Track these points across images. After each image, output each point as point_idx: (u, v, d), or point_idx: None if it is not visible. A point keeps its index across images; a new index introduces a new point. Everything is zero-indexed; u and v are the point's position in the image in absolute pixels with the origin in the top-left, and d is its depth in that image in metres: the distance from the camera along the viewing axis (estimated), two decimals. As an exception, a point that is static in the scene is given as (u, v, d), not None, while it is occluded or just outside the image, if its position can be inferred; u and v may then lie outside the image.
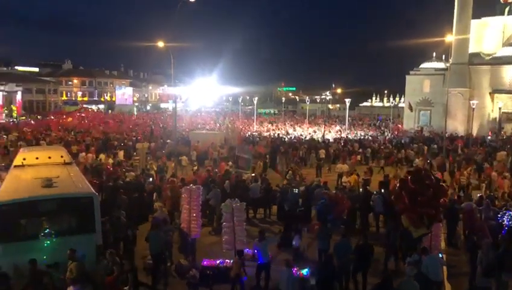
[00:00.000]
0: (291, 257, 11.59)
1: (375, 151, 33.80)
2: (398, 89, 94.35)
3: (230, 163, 24.47)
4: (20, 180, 11.91)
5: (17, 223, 10.15)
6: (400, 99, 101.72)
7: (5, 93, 66.53)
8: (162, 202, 15.85)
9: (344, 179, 21.51)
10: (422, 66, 60.33)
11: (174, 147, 29.29)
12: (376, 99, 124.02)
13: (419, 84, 58.53)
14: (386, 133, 52.32)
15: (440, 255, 11.97)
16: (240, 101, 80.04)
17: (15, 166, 13.58)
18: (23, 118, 63.37)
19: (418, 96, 58.22)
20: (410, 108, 56.73)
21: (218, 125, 57.70)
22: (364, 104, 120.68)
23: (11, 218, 9.92)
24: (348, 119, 61.03)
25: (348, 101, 56.76)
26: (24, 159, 13.79)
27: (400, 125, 62.98)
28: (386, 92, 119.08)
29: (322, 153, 31.16)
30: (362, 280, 11.22)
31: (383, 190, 17.45)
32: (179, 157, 26.40)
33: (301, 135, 48.15)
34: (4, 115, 63.93)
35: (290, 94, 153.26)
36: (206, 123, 60.56)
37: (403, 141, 40.96)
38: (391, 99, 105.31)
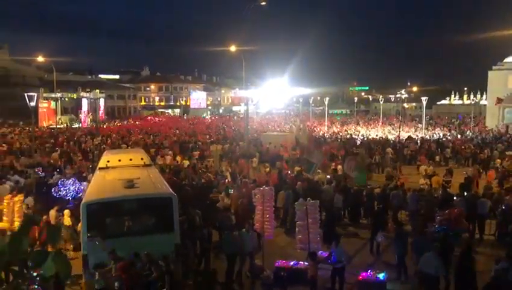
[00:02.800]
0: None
1: (456, 152, 32.07)
2: (480, 86, 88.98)
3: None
4: (105, 181, 12.57)
5: (102, 222, 10.72)
6: (481, 96, 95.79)
7: (90, 100, 71.11)
8: (231, 203, 16.15)
9: (421, 181, 20.54)
10: (507, 60, 56.33)
11: (246, 148, 29.69)
12: (455, 97, 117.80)
13: (503, 79, 54.72)
14: (467, 132, 49.46)
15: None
16: (310, 102, 79.52)
17: (100, 168, 14.39)
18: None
19: (502, 93, 54.47)
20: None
21: (289, 126, 57.73)
22: (442, 102, 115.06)
23: (96, 217, 10.47)
24: (426, 118, 58.42)
25: (424, 99, 54.30)
26: (108, 161, 14.58)
27: (481, 124, 59.29)
28: (465, 89, 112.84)
29: (390, 152, 30.17)
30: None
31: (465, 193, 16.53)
32: (251, 159, 26.71)
33: (377, 135, 46.79)
34: (89, 120, 68.37)
35: (363, 94, 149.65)
36: (277, 125, 60.81)
37: (483, 140, 38.54)
38: (471, 96, 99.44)
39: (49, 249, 10.92)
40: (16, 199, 13.74)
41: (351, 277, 11.27)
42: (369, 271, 11.40)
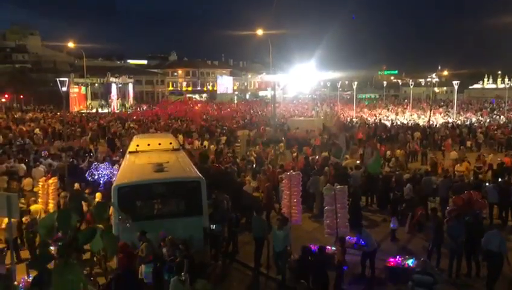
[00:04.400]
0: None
1: (489, 137, 31.20)
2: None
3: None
4: (135, 165, 12.82)
5: (132, 205, 10.94)
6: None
7: (119, 85, 72.09)
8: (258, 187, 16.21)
9: (457, 167, 20.03)
10: (545, 42, 54.20)
11: (273, 134, 29.67)
12: (488, 80, 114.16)
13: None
14: (501, 117, 48.00)
15: None
16: (338, 86, 78.53)
17: (130, 152, 14.67)
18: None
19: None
20: None
21: (315, 111, 57.30)
22: (475, 86, 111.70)
23: (127, 200, 10.70)
24: (457, 103, 56.90)
25: (456, 83, 52.87)
26: (137, 145, 14.85)
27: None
28: (499, 72, 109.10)
29: (418, 135, 29.74)
30: (475, 262, 10.99)
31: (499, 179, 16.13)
32: (277, 144, 26.68)
33: (408, 120, 45.97)
34: (118, 105, 69.34)
35: (392, 78, 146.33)
36: (304, 110, 60.44)
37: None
38: (506, 80, 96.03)
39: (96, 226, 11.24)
40: (50, 181, 14.14)
41: (379, 262, 11.20)
42: (397, 257, 11.31)
